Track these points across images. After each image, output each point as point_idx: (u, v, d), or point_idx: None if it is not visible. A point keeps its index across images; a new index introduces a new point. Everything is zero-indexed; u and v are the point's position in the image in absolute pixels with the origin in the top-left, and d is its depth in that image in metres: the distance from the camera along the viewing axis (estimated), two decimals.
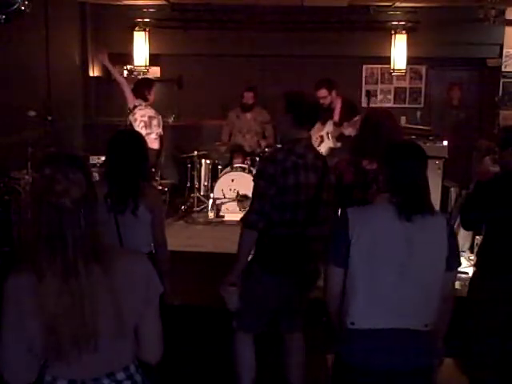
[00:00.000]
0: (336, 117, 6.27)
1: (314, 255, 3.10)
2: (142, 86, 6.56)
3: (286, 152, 3.07)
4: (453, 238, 2.37)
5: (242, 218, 3.10)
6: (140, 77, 8.33)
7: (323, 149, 6.35)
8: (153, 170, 6.07)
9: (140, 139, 3.31)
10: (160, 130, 6.59)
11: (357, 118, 5.89)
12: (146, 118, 6.44)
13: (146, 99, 6.47)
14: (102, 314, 1.72)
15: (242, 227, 3.06)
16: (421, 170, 2.36)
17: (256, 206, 3.01)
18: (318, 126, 6.42)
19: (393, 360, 2.30)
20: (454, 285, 2.53)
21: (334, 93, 6.22)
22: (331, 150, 6.29)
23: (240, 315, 3.18)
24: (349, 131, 6.06)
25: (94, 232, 1.74)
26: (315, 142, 6.42)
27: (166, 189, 7.01)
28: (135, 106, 6.49)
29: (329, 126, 6.29)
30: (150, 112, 6.50)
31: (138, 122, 6.38)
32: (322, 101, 6.19)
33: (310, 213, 3.02)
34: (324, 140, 6.36)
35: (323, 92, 6.16)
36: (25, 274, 1.71)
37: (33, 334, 1.71)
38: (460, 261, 2.48)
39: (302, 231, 3.01)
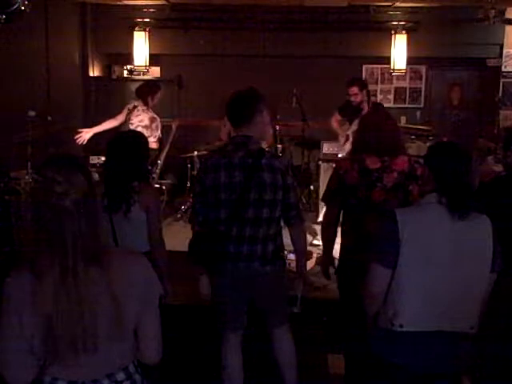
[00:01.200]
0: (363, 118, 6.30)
1: (244, 256, 3.07)
2: (146, 89, 6.48)
3: (213, 152, 3.26)
4: (496, 238, 2.37)
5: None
6: (141, 77, 8.35)
7: (347, 147, 6.39)
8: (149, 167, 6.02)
9: (137, 141, 3.31)
10: (159, 133, 6.54)
11: None
12: (144, 123, 6.37)
13: (145, 103, 6.40)
14: (100, 315, 1.72)
15: None
16: (467, 169, 2.37)
17: (192, 204, 3.28)
18: (345, 126, 6.47)
19: (438, 362, 2.31)
20: (492, 286, 2.50)
21: (364, 92, 6.24)
22: None
23: (216, 315, 3.25)
24: None
25: (94, 233, 1.74)
26: (341, 139, 6.46)
27: (164, 187, 6.98)
28: (135, 107, 6.47)
29: (354, 126, 6.32)
30: (149, 115, 6.42)
31: (134, 127, 6.31)
32: (352, 98, 6.23)
33: (233, 212, 3.01)
34: (349, 139, 6.40)
35: (354, 89, 6.21)
36: (24, 275, 1.72)
37: (31, 334, 1.71)
38: (501, 262, 2.47)
39: (226, 230, 3.02)
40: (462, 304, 2.30)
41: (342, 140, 6.45)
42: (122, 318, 1.75)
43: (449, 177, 2.32)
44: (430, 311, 2.28)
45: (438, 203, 2.30)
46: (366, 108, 6.28)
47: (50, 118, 5.97)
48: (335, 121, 6.63)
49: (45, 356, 1.75)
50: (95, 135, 6.38)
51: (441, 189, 2.32)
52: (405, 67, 8.36)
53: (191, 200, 7.42)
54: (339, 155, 6.42)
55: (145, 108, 6.40)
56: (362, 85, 6.27)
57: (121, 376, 1.85)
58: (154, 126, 6.44)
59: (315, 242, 5.77)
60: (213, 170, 3.04)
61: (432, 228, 2.29)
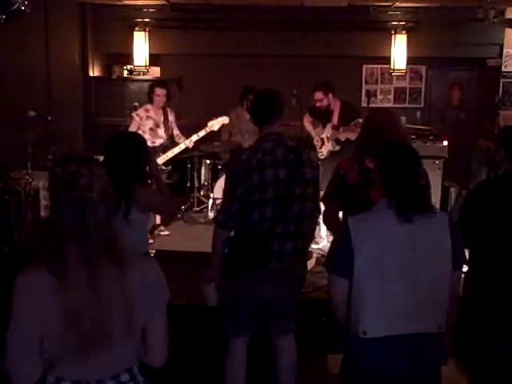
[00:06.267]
0: (335, 120, 6.26)
1: (288, 252, 3.06)
2: (148, 90, 6.39)
3: (251, 150, 3.10)
4: (456, 235, 2.35)
5: (213, 218, 3.19)
6: (141, 77, 8.34)
7: (324, 151, 6.36)
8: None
9: (135, 141, 3.29)
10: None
11: (356, 121, 5.89)
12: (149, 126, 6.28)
13: (151, 101, 6.32)
14: (116, 313, 1.72)
15: (215, 226, 3.13)
16: (416, 171, 2.36)
17: (225, 205, 3.06)
18: (319, 128, 6.45)
19: (408, 364, 2.30)
20: (459, 283, 2.51)
21: (330, 96, 6.21)
22: (331, 153, 6.29)
23: (226, 319, 3.19)
24: (344, 136, 6.07)
25: (113, 229, 1.75)
26: (317, 143, 6.44)
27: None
28: (135, 107, 6.43)
29: (328, 130, 6.30)
30: (151, 123, 6.29)
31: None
32: (318, 103, 6.24)
33: (279, 210, 2.98)
34: (324, 143, 6.37)
35: (319, 94, 6.19)
36: (39, 272, 1.70)
37: (46, 331, 1.69)
38: (465, 258, 2.46)
39: (270, 228, 2.98)
40: (426, 305, 2.27)
41: (318, 144, 6.43)
42: (133, 316, 1.74)
43: (396, 180, 2.30)
44: (391, 316, 2.26)
45: (388, 207, 2.28)
46: (336, 110, 6.24)
47: (49, 117, 5.96)
48: (307, 121, 6.60)
49: (58, 354, 1.73)
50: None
51: (389, 192, 2.31)
52: (405, 67, 8.37)
53: (191, 200, 7.49)
54: (321, 157, 6.35)
55: (149, 110, 6.25)
56: (326, 89, 6.21)
57: (125, 377, 1.84)
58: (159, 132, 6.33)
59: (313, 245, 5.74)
60: (258, 169, 2.97)
61: (384, 233, 2.27)
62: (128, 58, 8.38)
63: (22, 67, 6.23)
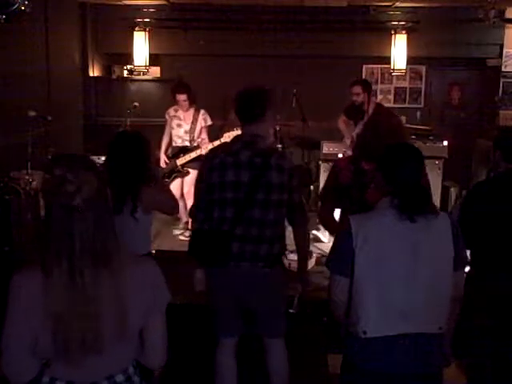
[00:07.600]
0: (366, 119, 6.27)
1: (248, 256, 3.01)
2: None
3: (218, 149, 3.17)
4: (458, 237, 2.35)
5: (189, 211, 3.34)
6: (141, 77, 8.34)
7: None
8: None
9: (139, 141, 3.30)
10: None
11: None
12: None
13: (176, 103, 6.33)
14: (107, 317, 1.71)
15: None
16: (419, 170, 2.36)
17: (195, 201, 3.17)
18: (351, 127, 6.47)
19: (408, 364, 2.30)
20: (462, 284, 2.51)
21: (367, 94, 6.24)
22: None
23: (212, 317, 3.21)
24: None
25: (104, 234, 1.72)
26: (347, 141, 6.47)
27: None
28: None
29: (358, 128, 6.30)
30: (175, 122, 6.34)
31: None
32: (354, 97, 6.26)
33: (238, 212, 2.97)
34: (354, 140, 6.38)
35: (356, 88, 6.23)
36: (32, 273, 1.70)
37: (38, 332, 1.69)
38: (467, 259, 2.45)
39: (230, 229, 2.98)
40: (426, 306, 2.27)
41: (348, 141, 6.47)
42: (127, 320, 1.73)
43: (399, 179, 2.30)
44: (391, 316, 2.25)
45: (391, 207, 2.28)
46: (370, 111, 6.26)
47: (49, 117, 5.96)
48: (342, 122, 6.65)
49: (50, 356, 1.73)
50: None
51: (392, 192, 2.30)
52: (405, 67, 8.37)
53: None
54: (340, 155, 6.41)
55: (177, 111, 6.31)
56: (365, 86, 6.27)
57: (120, 378, 1.84)
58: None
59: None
60: (219, 169, 2.99)
61: (385, 233, 2.26)
62: (128, 58, 8.38)
63: (22, 67, 6.22)
